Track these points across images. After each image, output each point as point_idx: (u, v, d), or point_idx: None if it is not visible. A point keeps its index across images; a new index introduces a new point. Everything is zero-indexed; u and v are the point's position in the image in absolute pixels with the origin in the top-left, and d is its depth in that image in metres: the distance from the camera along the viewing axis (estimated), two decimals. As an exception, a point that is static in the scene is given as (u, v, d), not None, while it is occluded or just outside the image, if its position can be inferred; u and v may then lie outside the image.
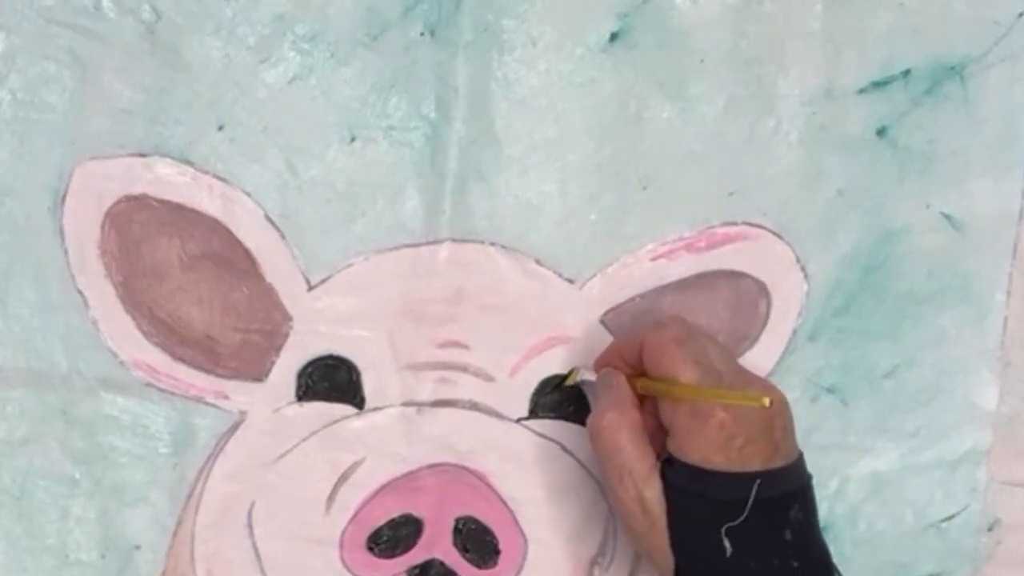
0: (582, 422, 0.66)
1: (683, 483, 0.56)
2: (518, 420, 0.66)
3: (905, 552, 0.69)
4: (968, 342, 0.68)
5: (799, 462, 0.58)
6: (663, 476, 0.57)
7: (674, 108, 0.66)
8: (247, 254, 0.64)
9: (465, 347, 0.65)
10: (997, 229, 0.68)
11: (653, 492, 0.57)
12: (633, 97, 0.65)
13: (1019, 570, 0.69)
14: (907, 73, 0.66)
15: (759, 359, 0.67)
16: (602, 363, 0.63)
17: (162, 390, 0.64)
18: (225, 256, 0.63)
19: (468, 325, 0.65)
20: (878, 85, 0.66)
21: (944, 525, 0.69)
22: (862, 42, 0.66)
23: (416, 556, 0.64)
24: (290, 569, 0.65)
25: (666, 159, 0.66)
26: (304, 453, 0.65)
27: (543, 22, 0.64)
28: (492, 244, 0.65)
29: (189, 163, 0.63)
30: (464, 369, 0.65)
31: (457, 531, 0.64)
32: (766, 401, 0.55)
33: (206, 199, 0.63)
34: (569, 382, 0.65)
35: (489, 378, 0.65)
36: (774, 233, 0.67)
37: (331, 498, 0.64)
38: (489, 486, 0.65)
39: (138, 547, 0.64)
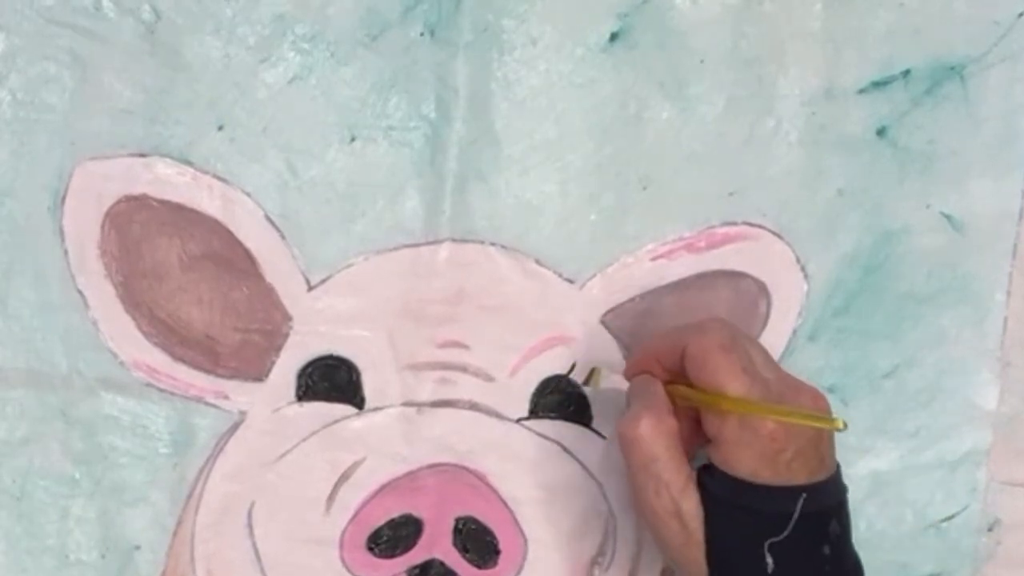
0: (582, 422, 0.66)
1: (726, 495, 0.55)
2: (518, 420, 0.66)
3: (905, 552, 0.69)
4: (968, 342, 0.68)
5: (838, 474, 0.57)
6: (700, 485, 0.56)
7: (674, 108, 0.66)
8: (247, 254, 0.64)
9: (465, 347, 0.65)
10: (997, 229, 0.68)
11: (691, 504, 0.55)
12: (633, 97, 0.65)
13: (1019, 570, 0.69)
14: (907, 73, 0.66)
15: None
16: (635, 368, 0.62)
17: (162, 390, 0.64)
18: (225, 256, 0.63)
19: (468, 325, 0.65)
20: (878, 85, 0.66)
21: (944, 525, 0.69)
22: (862, 42, 0.66)
23: (416, 556, 0.64)
24: (290, 569, 0.65)
25: (666, 159, 0.66)
26: (304, 453, 0.65)
27: (543, 22, 0.64)
28: (492, 244, 0.65)
29: (189, 163, 0.63)
30: (464, 369, 0.65)
31: (457, 531, 0.64)
32: (840, 423, 0.53)
33: (206, 199, 0.63)
34: (592, 384, 0.64)
35: (489, 378, 0.65)
36: (774, 233, 0.67)
37: (331, 498, 0.64)
38: (489, 486, 0.65)
39: (138, 547, 0.64)
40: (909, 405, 0.68)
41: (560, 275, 0.66)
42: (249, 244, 0.64)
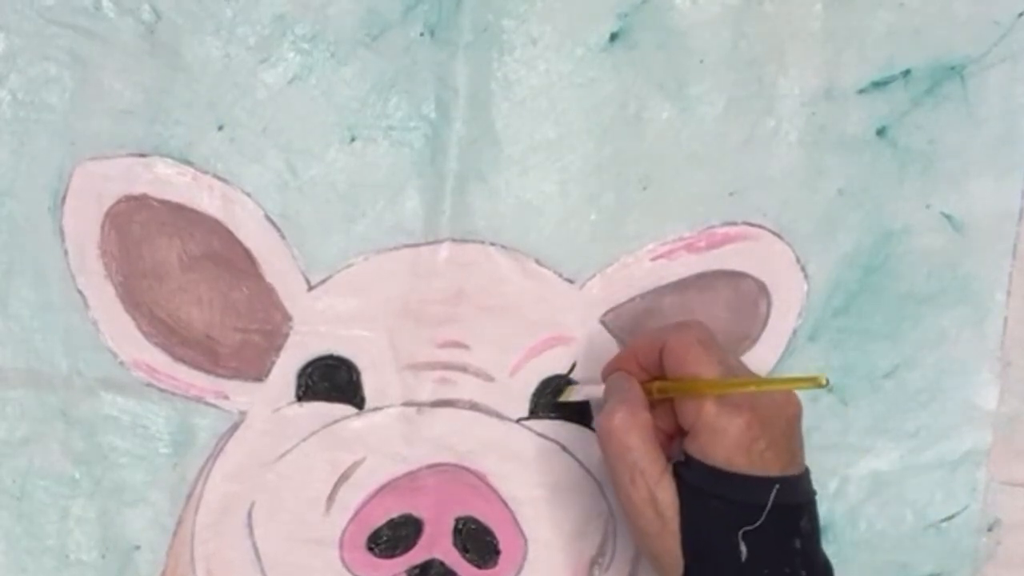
0: (582, 422, 0.66)
1: (701, 484, 0.56)
2: (518, 420, 0.66)
3: (905, 552, 0.69)
4: (968, 342, 0.68)
5: (807, 475, 0.58)
6: (676, 477, 0.57)
7: (674, 108, 0.66)
8: (247, 254, 0.64)
9: (465, 347, 0.65)
10: (997, 229, 0.68)
11: (666, 494, 0.56)
12: (633, 97, 0.65)
13: (1019, 570, 0.69)
14: (907, 73, 0.66)
15: (759, 359, 0.67)
16: (614, 367, 0.62)
17: (162, 390, 0.64)
18: (225, 256, 0.63)
19: (468, 325, 0.65)
20: (878, 85, 0.66)
21: (944, 525, 0.69)
22: (862, 42, 0.66)
23: (416, 556, 0.64)
24: (290, 569, 0.65)
25: (666, 159, 0.66)
26: (304, 453, 0.65)
27: (543, 22, 0.64)
28: (492, 244, 0.65)
29: (189, 163, 0.63)
30: (464, 369, 0.65)
31: (457, 531, 0.64)
32: (823, 379, 0.53)
33: (206, 199, 0.63)
34: (563, 398, 0.65)
35: (489, 378, 0.65)
36: (774, 233, 0.67)
37: (331, 498, 0.64)
38: (489, 486, 0.65)
39: (138, 547, 0.64)
40: (909, 405, 0.68)
41: (560, 275, 0.66)
42: (249, 244, 0.64)
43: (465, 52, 0.64)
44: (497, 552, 0.65)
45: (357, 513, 0.64)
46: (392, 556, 0.64)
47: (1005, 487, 0.69)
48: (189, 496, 0.65)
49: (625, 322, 0.66)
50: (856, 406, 0.68)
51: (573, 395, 0.65)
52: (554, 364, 0.66)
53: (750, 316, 0.67)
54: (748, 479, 0.55)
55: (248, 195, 0.63)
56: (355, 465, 0.64)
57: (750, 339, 0.67)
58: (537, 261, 0.66)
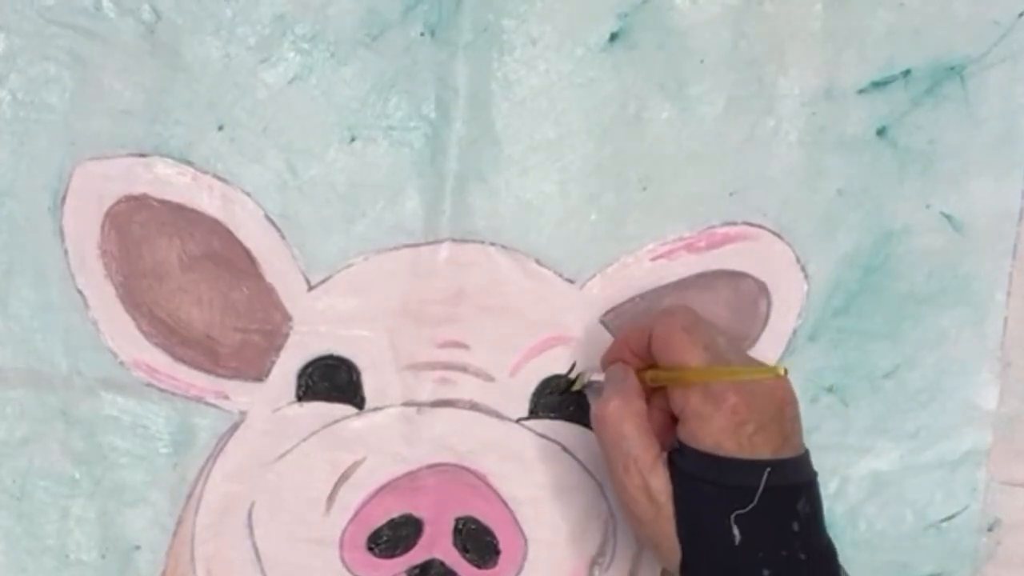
0: (582, 422, 0.66)
1: (693, 469, 0.56)
2: (518, 420, 0.66)
3: (905, 552, 0.69)
4: (968, 342, 0.68)
5: (806, 457, 0.58)
6: (670, 464, 0.57)
7: (674, 108, 0.66)
8: (247, 254, 0.64)
9: (465, 347, 0.65)
10: (997, 229, 0.68)
11: (659, 479, 0.57)
12: (633, 97, 0.65)
13: (1019, 570, 0.69)
14: (907, 73, 0.66)
15: (759, 359, 0.67)
16: (610, 358, 0.63)
17: (162, 390, 0.64)
18: (225, 256, 0.63)
19: (468, 325, 0.65)
20: (878, 85, 0.66)
21: (944, 525, 0.69)
22: (862, 42, 0.66)
23: (416, 556, 0.64)
24: (290, 569, 0.65)
25: (666, 159, 0.66)
26: (304, 453, 0.65)
27: (543, 22, 0.64)
28: (492, 244, 0.65)
29: (189, 163, 0.63)
30: (464, 369, 0.65)
31: (457, 531, 0.64)
32: (781, 370, 0.55)
33: (206, 199, 0.63)
34: (577, 387, 0.65)
35: (489, 378, 0.65)
36: (774, 233, 0.67)
37: (331, 498, 0.64)
38: (489, 486, 0.65)
39: (138, 547, 0.64)
40: (909, 405, 0.68)
41: (560, 275, 0.66)
42: (249, 244, 0.64)
43: (465, 52, 0.64)
44: (497, 552, 0.65)
45: (357, 513, 0.64)
46: (392, 556, 0.64)
47: (1005, 487, 0.69)
48: (189, 496, 0.65)
49: (625, 322, 0.66)
50: (856, 406, 0.68)
51: (584, 380, 0.65)
52: (554, 364, 0.66)
53: (750, 316, 0.67)
54: (738, 463, 0.55)
55: (248, 195, 0.63)
56: (355, 465, 0.64)
57: (750, 339, 0.67)
58: (537, 261, 0.66)
